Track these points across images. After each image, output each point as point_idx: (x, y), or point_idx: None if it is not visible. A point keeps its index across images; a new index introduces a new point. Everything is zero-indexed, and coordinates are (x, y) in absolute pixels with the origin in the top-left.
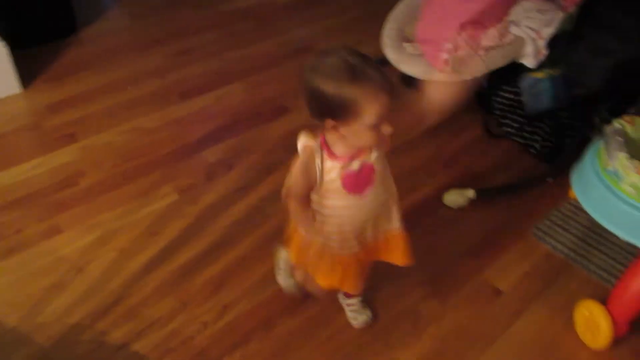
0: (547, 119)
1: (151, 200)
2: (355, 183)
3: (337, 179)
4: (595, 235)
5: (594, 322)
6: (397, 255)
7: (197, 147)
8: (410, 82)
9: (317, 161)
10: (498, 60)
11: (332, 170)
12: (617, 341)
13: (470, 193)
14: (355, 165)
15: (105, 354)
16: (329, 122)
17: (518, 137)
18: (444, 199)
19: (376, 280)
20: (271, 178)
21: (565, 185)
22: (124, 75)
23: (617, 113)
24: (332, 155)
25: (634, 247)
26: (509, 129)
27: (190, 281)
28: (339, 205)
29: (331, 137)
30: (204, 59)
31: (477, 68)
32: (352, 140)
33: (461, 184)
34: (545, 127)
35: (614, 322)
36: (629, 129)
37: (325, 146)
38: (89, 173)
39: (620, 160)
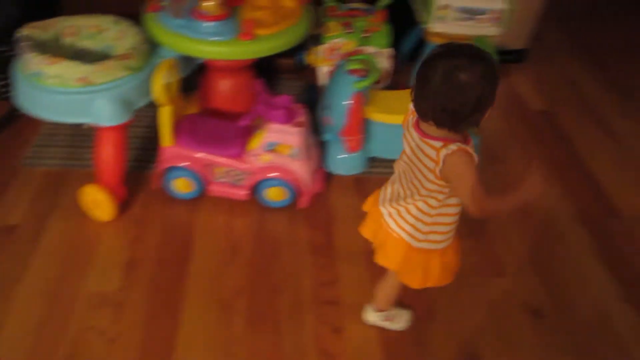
0: None
1: None
2: None
3: None
4: (80, 136)
5: (96, 200)
6: None
7: None
8: None
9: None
10: None
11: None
12: (125, 206)
13: None
14: None
15: None
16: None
17: None
18: None
19: None
20: None
21: None
22: None
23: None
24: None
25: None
26: None
27: None
28: None
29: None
30: None
31: None
32: None
33: None
34: None
35: (110, 191)
36: (37, 33)
37: (464, 140)
38: None
39: (34, 61)
